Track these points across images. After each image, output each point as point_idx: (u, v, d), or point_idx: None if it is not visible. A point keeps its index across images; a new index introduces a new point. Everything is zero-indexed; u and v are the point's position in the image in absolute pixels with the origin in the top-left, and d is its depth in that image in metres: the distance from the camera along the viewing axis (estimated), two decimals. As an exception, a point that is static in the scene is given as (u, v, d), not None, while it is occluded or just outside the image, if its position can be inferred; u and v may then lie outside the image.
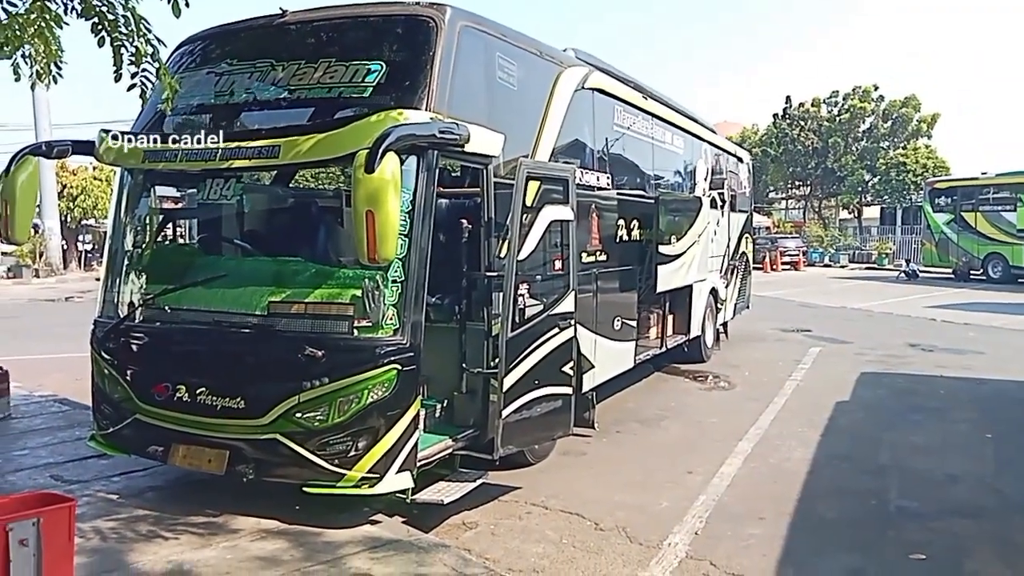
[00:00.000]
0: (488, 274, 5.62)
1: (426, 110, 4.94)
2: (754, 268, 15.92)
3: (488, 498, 5.82)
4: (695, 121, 11.38)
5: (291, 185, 6.79)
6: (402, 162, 4.52)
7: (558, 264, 5.94)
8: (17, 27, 4.80)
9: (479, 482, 5.56)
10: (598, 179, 7.61)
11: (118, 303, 5.71)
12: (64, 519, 3.30)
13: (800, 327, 15.81)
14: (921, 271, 30.60)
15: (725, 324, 13.31)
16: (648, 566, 4.82)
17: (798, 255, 37.02)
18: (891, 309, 19.55)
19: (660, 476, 6.58)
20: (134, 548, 4.54)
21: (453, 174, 6.79)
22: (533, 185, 5.56)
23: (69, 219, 33.80)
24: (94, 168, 33.66)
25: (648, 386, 10.17)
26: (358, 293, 4.84)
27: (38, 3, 4.90)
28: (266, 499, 5.16)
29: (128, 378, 5.38)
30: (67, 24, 5.11)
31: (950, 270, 29.59)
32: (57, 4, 4.99)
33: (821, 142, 44.07)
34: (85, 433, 6.69)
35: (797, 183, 48.72)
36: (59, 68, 5.38)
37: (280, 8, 5.57)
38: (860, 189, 44.03)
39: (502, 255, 5.62)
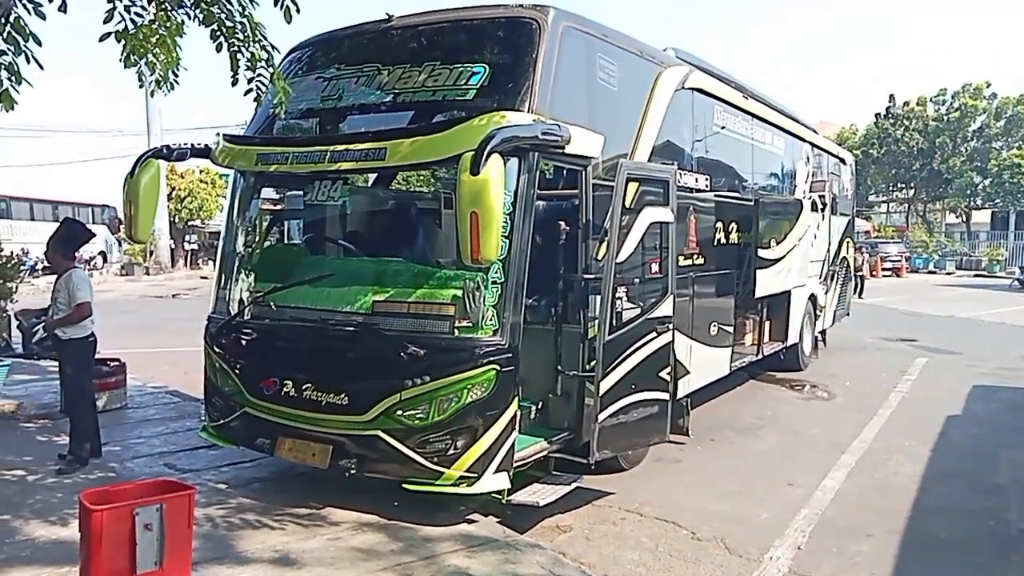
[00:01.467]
0: (585, 276, 5.59)
1: (528, 112, 4.95)
2: (855, 274, 15.29)
3: (582, 502, 5.78)
4: (796, 121, 11.02)
5: (394, 187, 6.94)
6: (505, 164, 4.54)
7: (656, 267, 5.84)
8: (143, 36, 5.08)
9: (574, 486, 5.53)
10: (696, 180, 7.47)
11: (230, 300, 5.96)
12: (184, 506, 3.46)
13: (904, 336, 15.10)
14: (1037, 279, 28.74)
15: (823, 331, 12.84)
16: (749, 579, 4.69)
17: (900, 261, 35.41)
18: (1004, 319, 18.46)
19: (758, 487, 6.39)
20: (242, 536, 4.73)
21: (548, 176, 6.79)
22: (633, 186, 5.50)
23: (177, 220, 35.61)
24: (200, 171, 35.44)
25: (743, 394, 9.91)
26: (459, 293, 4.89)
27: (162, 13, 5.19)
28: (365, 494, 5.28)
29: (238, 372, 5.60)
30: (186, 33, 5.40)
31: (1070, 278, 27.71)
32: (179, 14, 5.27)
33: (927, 142, 42.05)
34: (195, 424, 7.04)
35: (900, 186, 46.63)
36: (176, 75, 5.67)
37: (386, 13, 5.71)
38: (969, 192, 41.79)
39: (599, 257, 5.58)
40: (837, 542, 5.23)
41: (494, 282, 4.87)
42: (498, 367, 4.83)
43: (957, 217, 46.58)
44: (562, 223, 5.76)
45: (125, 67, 5.20)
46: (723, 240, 8.18)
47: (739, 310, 8.82)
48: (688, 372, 7.20)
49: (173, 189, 34.88)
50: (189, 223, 37.11)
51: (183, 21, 5.31)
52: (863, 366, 12.17)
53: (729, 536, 5.28)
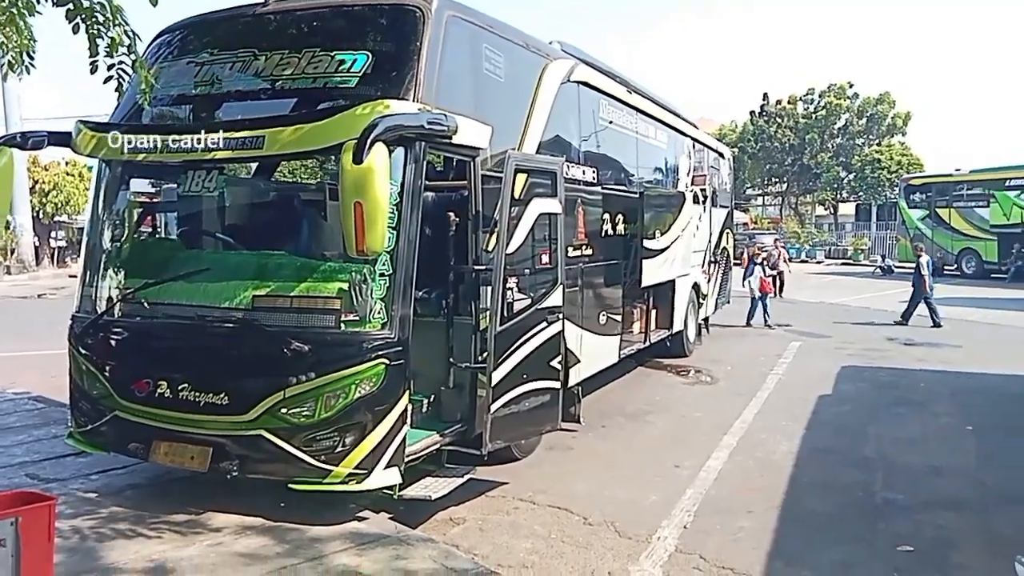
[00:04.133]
0: (476, 268, 5.56)
1: (413, 100, 4.86)
2: (733, 263, 16.00)
3: (475, 494, 5.77)
4: (678, 116, 11.38)
5: (274, 178, 6.67)
6: (390, 153, 4.44)
7: (546, 258, 5.89)
8: None
9: (467, 477, 5.50)
10: (583, 173, 7.57)
11: (97, 298, 5.58)
12: (44, 518, 3.20)
13: (780, 322, 15.89)
14: (896, 266, 30.90)
15: (706, 319, 13.36)
16: (638, 560, 4.80)
17: (775, 251, 37.22)
18: (868, 304, 19.74)
19: (647, 470, 6.57)
20: (114, 547, 4.43)
21: (438, 168, 6.72)
22: (521, 177, 5.51)
23: (41, 215, 33.20)
24: (67, 163, 33.15)
25: (632, 381, 10.17)
26: (345, 287, 4.75)
27: None
28: (250, 497, 5.08)
29: (107, 374, 5.25)
30: (40, 13, 4.98)
31: (924, 266, 29.94)
32: None
33: (798, 139, 44.55)
34: (61, 431, 6.55)
35: (774, 180, 49.22)
36: (32, 58, 5.23)
37: (262, -6, 5.46)
38: (836, 186, 44.58)
39: (490, 248, 5.55)
40: (721, 519, 5.44)
41: (382, 274, 4.76)
42: (387, 361, 4.73)
43: (825, 209, 49.64)
44: (452, 214, 5.70)
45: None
46: (610, 231, 8.34)
47: (627, 299, 9.03)
48: (579, 361, 7.29)
49: (37, 182, 32.48)
50: (55, 219, 34.65)
51: (36, -1, 4.91)
52: (743, 351, 12.74)
53: (619, 519, 5.39)
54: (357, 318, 4.73)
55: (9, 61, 5.14)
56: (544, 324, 5.75)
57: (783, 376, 10.61)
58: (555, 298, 5.85)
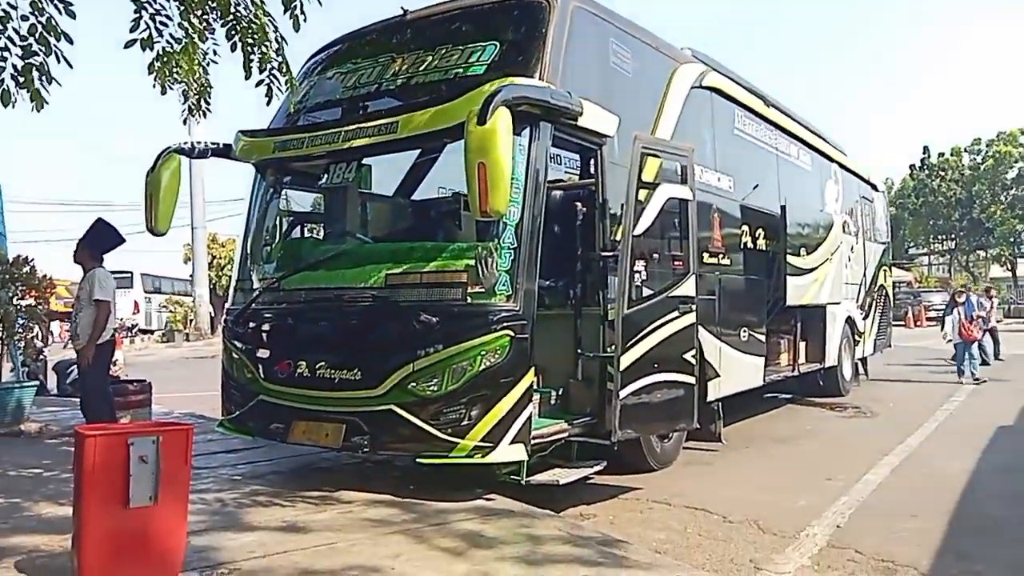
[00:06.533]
0: (602, 254, 5.48)
1: (539, 79, 4.96)
2: (895, 324, 14.76)
3: (607, 496, 5.56)
4: (824, 140, 10.88)
5: (408, 174, 6.84)
6: (516, 128, 4.50)
7: (676, 245, 5.71)
8: (175, 60, 5.19)
9: (596, 468, 5.33)
10: (719, 180, 7.36)
11: (248, 291, 5.96)
12: (182, 441, 3.36)
13: (950, 368, 14.49)
14: (1091, 322, 27.68)
15: (864, 360, 12.39)
16: (784, 552, 4.41)
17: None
18: (1057, 355, 17.70)
19: (795, 481, 6.10)
20: (252, 512, 4.59)
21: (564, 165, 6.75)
22: (649, 161, 5.40)
23: (217, 288, 36.27)
24: (241, 239, 36.23)
25: (781, 413, 9.60)
26: (471, 261, 4.80)
27: (184, 22, 5.31)
28: (381, 481, 5.16)
29: (254, 359, 5.55)
30: (213, 39, 5.52)
31: None
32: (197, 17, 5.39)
33: (964, 192, 41.51)
34: (216, 436, 6.94)
35: (940, 237, 45.85)
36: (208, 104, 5.82)
37: (401, 8, 5.83)
38: (1012, 240, 40.88)
39: (617, 237, 5.47)
40: (880, 522, 4.93)
41: (506, 248, 4.79)
42: (512, 333, 4.71)
43: (1002, 266, 45.48)
44: (579, 204, 5.68)
45: (149, 72, 5.31)
46: (750, 244, 8.00)
47: (772, 322, 8.56)
48: (718, 375, 6.94)
49: (214, 258, 35.68)
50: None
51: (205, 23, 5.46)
52: (908, 392, 11.72)
53: (763, 519, 5.00)
54: (483, 290, 4.75)
55: (189, 106, 5.74)
56: (676, 313, 5.53)
57: (954, 411, 9.61)
58: (687, 287, 5.62)
